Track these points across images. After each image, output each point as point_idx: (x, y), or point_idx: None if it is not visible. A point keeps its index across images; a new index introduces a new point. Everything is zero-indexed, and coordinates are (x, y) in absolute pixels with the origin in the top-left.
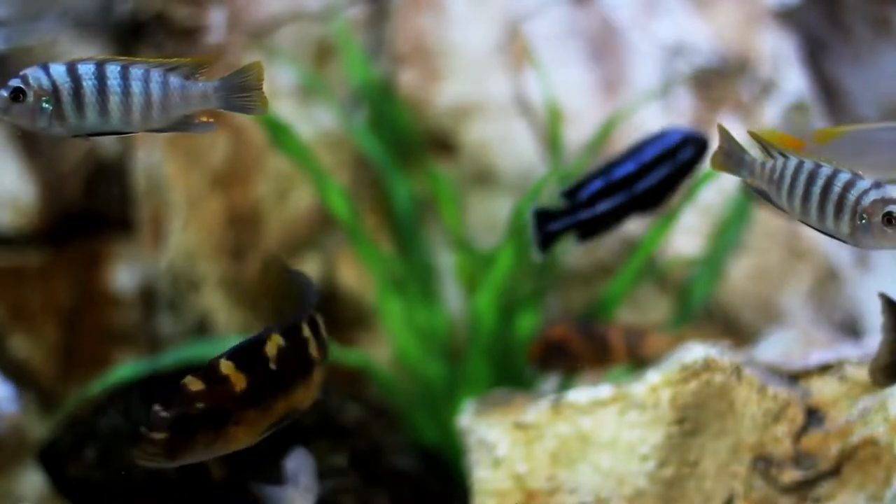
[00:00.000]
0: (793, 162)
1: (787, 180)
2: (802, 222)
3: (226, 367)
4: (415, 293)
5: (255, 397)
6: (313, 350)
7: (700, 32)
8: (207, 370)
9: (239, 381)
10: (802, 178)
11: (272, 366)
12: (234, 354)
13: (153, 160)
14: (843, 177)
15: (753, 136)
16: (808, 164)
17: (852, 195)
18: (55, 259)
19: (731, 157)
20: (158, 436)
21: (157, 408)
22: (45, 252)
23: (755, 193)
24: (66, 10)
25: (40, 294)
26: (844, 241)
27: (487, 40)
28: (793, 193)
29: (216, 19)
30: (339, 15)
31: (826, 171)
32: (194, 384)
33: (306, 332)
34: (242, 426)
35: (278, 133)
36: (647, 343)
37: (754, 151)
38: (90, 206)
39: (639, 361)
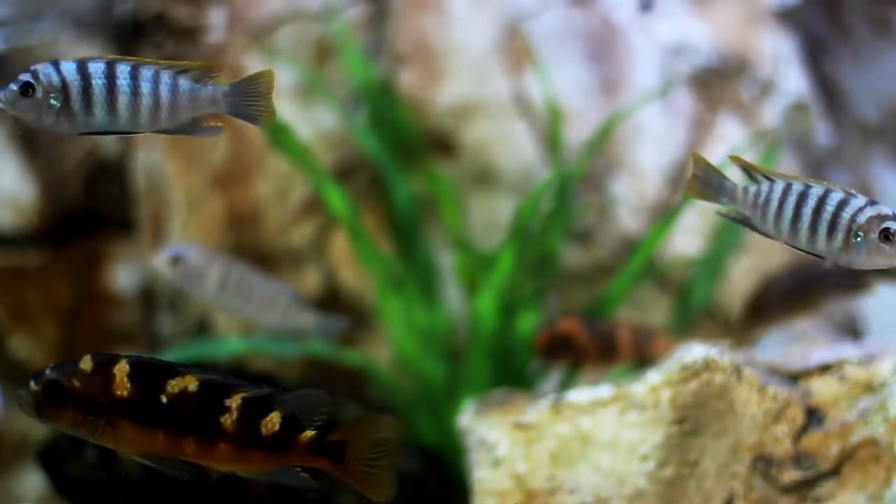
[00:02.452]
0: (780, 185)
1: (775, 203)
2: (790, 245)
3: (120, 367)
4: (415, 293)
5: (131, 413)
6: (229, 423)
7: (700, 32)
8: (105, 359)
9: (122, 388)
10: (792, 199)
11: (163, 398)
12: (136, 363)
13: (153, 160)
14: (836, 196)
15: (736, 161)
16: (798, 186)
17: (846, 213)
18: (55, 259)
19: (710, 185)
20: (33, 387)
21: (51, 364)
22: (45, 252)
23: (733, 221)
24: (66, 10)
25: (40, 294)
26: (836, 261)
27: (487, 40)
28: (781, 216)
29: (216, 19)
30: (339, 15)
31: (817, 191)
32: (85, 363)
33: (235, 404)
34: (112, 430)
35: (277, 134)
36: (656, 344)
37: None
38: (90, 206)
39: (644, 362)
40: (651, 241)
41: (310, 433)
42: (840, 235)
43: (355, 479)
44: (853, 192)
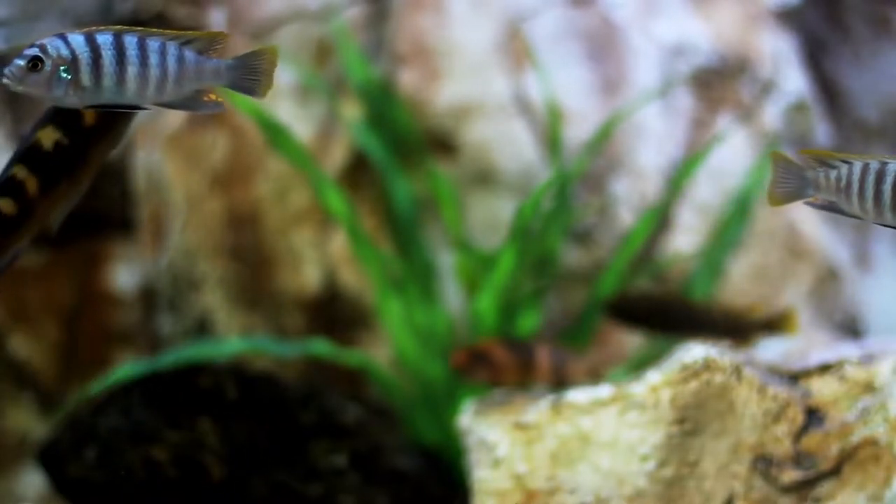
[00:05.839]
0: (858, 166)
1: (856, 185)
2: (879, 224)
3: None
4: (415, 293)
5: None
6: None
7: (700, 32)
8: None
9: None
10: (871, 179)
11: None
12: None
13: (153, 160)
14: None
15: (806, 153)
16: (874, 164)
17: None
18: (55, 259)
19: (792, 181)
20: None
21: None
22: (45, 252)
23: (821, 209)
24: (66, 10)
25: (40, 294)
26: None
27: (487, 40)
28: (864, 196)
29: (216, 19)
30: (338, 15)
31: (893, 166)
32: None
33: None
34: None
35: (275, 134)
36: (571, 367)
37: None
38: (90, 206)
39: (562, 383)
40: (637, 235)
41: None
42: None
43: None
44: None
